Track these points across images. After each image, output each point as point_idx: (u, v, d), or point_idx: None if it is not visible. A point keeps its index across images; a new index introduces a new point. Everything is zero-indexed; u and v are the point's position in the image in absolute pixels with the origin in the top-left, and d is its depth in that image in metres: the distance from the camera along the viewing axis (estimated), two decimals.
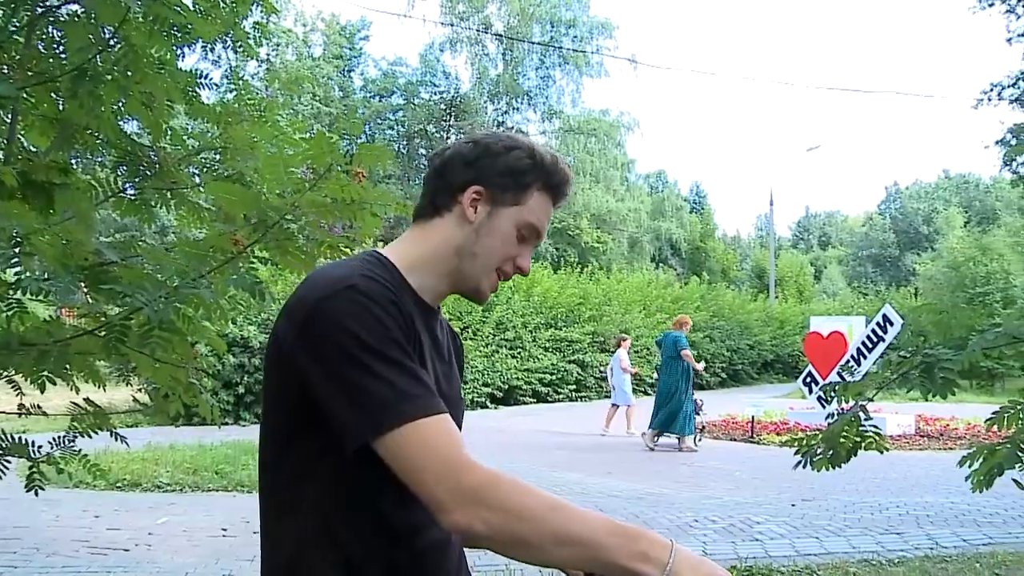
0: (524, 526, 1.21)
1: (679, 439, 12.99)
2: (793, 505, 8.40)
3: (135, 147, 3.42)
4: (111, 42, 2.79)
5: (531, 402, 22.04)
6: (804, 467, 3.67)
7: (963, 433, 14.43)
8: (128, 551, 6.22)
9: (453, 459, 1.23)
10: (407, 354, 1.30)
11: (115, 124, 3.17)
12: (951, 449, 12.90)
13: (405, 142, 45.95)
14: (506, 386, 21.41)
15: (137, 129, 3.77)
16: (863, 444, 3.73)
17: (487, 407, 20.55)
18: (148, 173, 3.49)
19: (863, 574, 6.03)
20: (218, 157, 3.68)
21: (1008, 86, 25.86)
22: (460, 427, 1.59)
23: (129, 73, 2.84)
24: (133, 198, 3.45)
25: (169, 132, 3.57)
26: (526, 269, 1.55)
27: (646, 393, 21.20)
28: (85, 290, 2.80)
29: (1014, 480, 3.50)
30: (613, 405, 15.15)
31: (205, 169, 3.71)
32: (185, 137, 3.75)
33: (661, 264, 50.31)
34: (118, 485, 8.71)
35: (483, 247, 1.50)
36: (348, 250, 2.74)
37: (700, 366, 13.36)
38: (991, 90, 26.34)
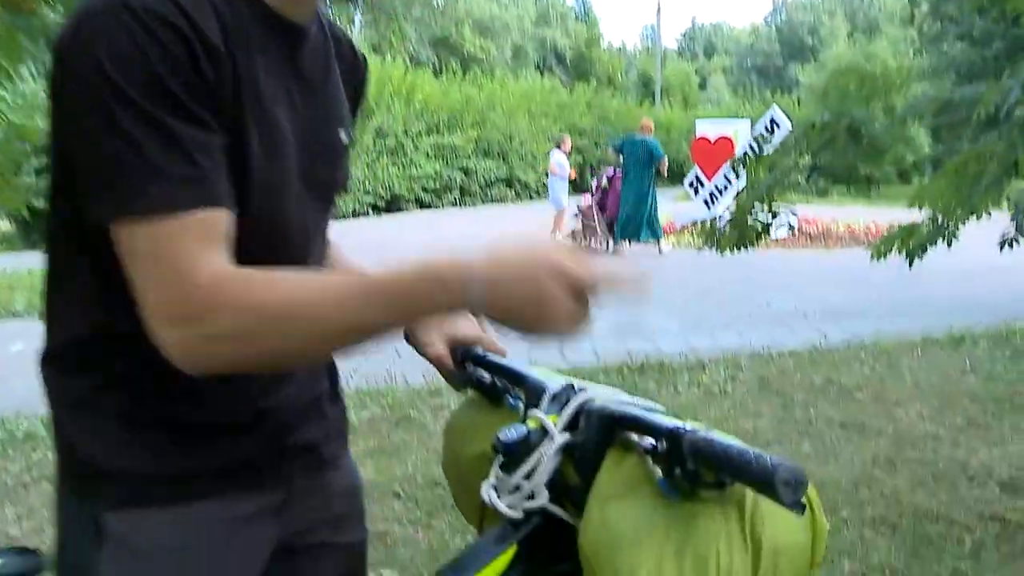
0: (264, 341, 0.90)
1: (654, 243, 12.57)
2: (685, 303, 8.32)
3: None
4: None
5: (415, 209, 21.55)
6: (712, 248, 3.35)
7: (843, 234, 14.81)
8: None
9: (185, 272, 0.88)
10: (180, 107, 0.90)
11: None
12: (831, 248, 13.46)
13: None
14: (388, 195, 20.80)
15: None
16: (773, 225, 3.43)
17: (368, 215, 19.94)
18: None
19: (753, 366, 5.96)
20: None
21: None
22: (337, 179, 1.20)
23: None
24: None
25: None
26: None
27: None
28: None
29: (907, 256, 3.30)
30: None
31: None
32: None
33: (546, 72, 49.34)
34: None
35: None
36: None
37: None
38: None
